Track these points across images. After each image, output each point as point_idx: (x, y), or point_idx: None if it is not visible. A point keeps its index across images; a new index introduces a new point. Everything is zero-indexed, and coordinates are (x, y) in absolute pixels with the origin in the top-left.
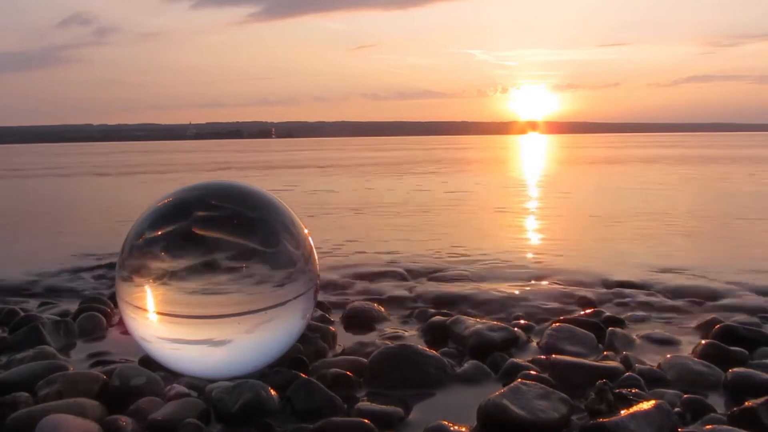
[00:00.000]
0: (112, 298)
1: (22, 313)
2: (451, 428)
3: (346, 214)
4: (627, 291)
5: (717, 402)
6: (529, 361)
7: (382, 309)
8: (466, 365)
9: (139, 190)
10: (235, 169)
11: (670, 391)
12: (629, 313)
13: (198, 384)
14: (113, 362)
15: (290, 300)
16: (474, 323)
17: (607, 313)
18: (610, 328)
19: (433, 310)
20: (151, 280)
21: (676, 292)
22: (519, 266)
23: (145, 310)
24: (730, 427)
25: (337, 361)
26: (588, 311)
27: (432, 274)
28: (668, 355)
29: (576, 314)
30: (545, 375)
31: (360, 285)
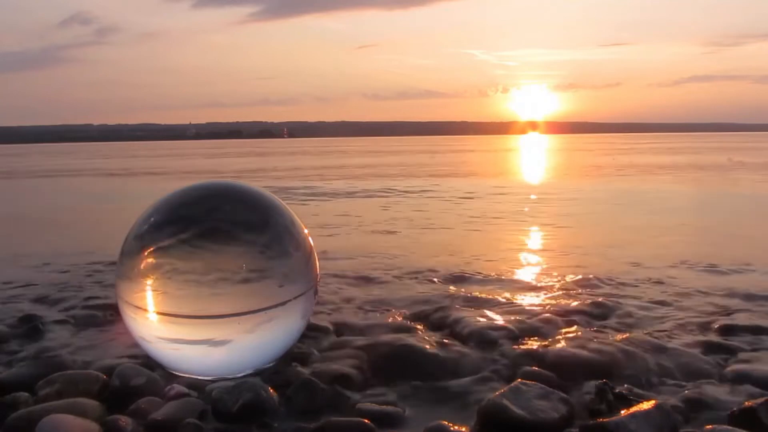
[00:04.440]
0: (112, 298)
1: (22, 313)
2: (451, 428)
3: None
4: (627, 289)
5: (717, 401)
6: (529, 361)
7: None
8: (466, 364)
9: (140, 189)
10: None
11: (671, 390)
12: (629, 312)
13: (198, 384)
14: (113, 362)
15: (290, 300)
16: (474, 322)
17: (608, 312)
18: (610, 328)
19: (433, 309)
20: (150, 280)
21: (677, 291)
22: (520, 263)
23: (145, 310)
24: (730, 427)
25: (337, 360)
26: (588, 311)
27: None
28: (668, 354)
29: (577, 313)
30: (545, 375)
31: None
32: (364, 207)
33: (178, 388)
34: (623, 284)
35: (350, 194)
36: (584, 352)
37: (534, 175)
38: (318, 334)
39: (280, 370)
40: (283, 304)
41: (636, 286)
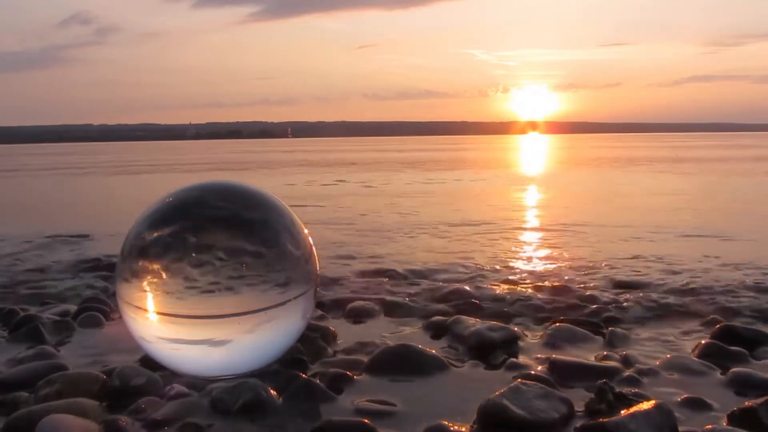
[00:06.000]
0: (112, 298)
1: (22, 313)
2: (451, 428)
3: None
4: (628, 289)
5: (717, 402)
6: (529, 361)
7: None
8: (466, 365)
9: (139, 189)
10: None
11: (671, 390)
12: (630, 313)
13: (198, 384)
14: (113, 362)
15: (290, 300)
16: (474, 323)
17: (608, 313)
18: (610, 328)
19: (432, 309)
20: (150, 280)
21: (677, 291)
22: (519, 262)
23: (145, 310)
24: (730, 427)
25: (336, 360)
26: (588, 311)
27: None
28: (668, 355)
29: (576, 314)
30: (545, 375)
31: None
32: None
33: (178, 388)
34: (627, 285)
35: None
36: (585, 354)
37: None
38: (318, 334)
39: (280, 370)
40: (283, 304)
41: (640, 289)
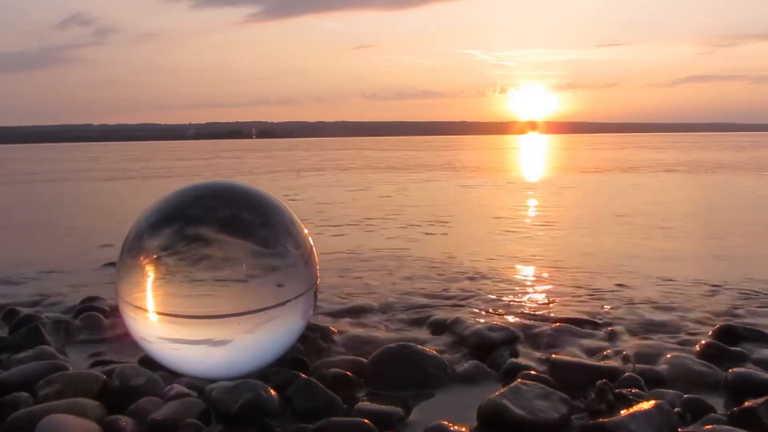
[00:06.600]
0: (112, 298)
1: (23, 313)
2: (451, 428)
3: None
4: (628, 290)
5: (717, 402)
6: (529, 361)
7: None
8: (466, 365)
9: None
10: None
11: (670, 391)
12: (630, 313)
13: (198, 384)
14: (113, 362)
15: (290, 300)
16: (474, 323)
17: (608, 314)
18: (610, 328)
19: (433, 310)
20: (150, 280)
21: (677, 292)
22: (521, 265)
23: (145, 310)
24: (730, 427)
25: (337, 361)
26: (589, 311)
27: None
28: (668, 355)
29: (576, 314)
30: (545, 375)
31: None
32: None
33: (178, 388)
34: (627, 285)
35: None
36: (585, 354)
37: None
38: (318, 334)
39: (280, 370)
40: (283, 304)
41: (640, 289)
